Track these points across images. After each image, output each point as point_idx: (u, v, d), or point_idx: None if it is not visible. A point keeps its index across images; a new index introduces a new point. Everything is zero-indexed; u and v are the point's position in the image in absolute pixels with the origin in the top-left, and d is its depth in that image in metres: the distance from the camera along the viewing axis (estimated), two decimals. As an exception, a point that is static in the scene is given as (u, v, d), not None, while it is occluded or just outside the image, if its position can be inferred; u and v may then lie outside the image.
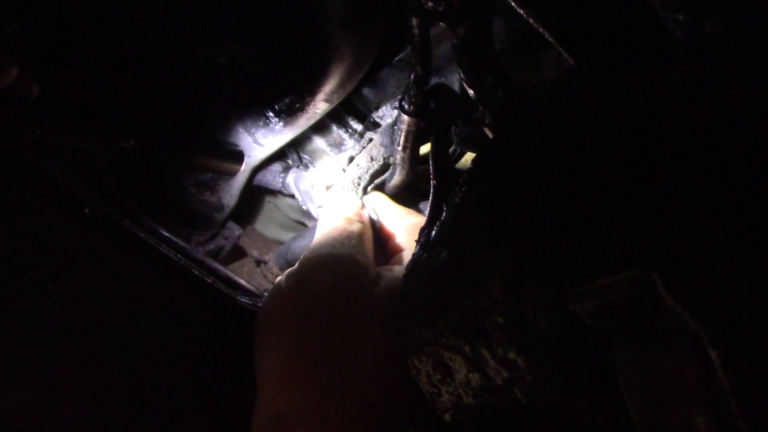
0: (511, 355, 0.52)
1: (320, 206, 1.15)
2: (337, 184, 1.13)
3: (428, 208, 0.85)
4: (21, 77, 0.85)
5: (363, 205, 1.04)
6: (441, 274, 0.60)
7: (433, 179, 0.85)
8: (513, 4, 0.67)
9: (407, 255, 0.92)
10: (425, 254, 0.64)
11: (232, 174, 1.15)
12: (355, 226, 0.94)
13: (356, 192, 1.09)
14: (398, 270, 0.85)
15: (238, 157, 1.12)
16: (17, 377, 0.92)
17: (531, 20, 0.68)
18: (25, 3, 0.99)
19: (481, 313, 0.53)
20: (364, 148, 1.11)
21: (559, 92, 0.67)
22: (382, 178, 1.10)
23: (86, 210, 0.99)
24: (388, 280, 0.83)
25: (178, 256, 1.04)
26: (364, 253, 0.89)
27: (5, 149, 0.91)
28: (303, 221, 1.48)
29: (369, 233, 0.96)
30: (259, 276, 1.42)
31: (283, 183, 1.25)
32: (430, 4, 0.80)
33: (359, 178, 1.11)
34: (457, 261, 0.58)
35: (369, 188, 1.11)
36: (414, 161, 1.05)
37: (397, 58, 1.15)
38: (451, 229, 0.62)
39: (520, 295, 0.52)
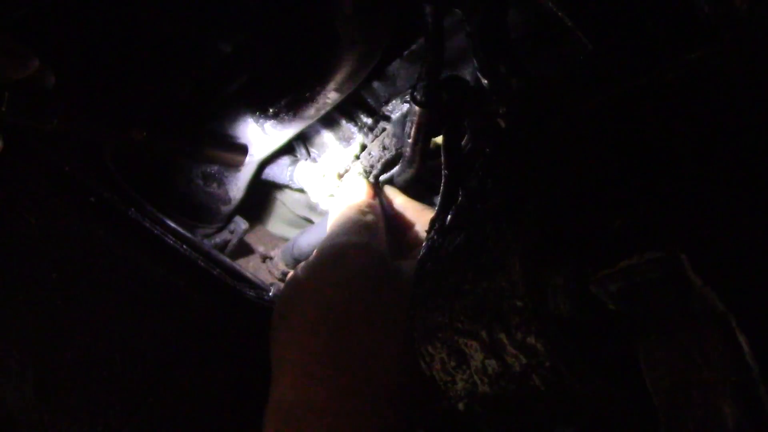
0: (530, 339, 0.50)
1: (331, 195, 1.13)
2: (350, 171, 1.12)
3: (439, 198, 0.84)
4: (42, 68, 0.86)
5: (375, 194, 1.03)
6: (457, 258, 0.58)
7: (445, 169, 0.84)
8: (531, -14, 0.66)
9: None
10: (440, 239, 0.62)
11: (237, 166, 1.14)
12: (369, 217, 0.93)
13: (368, 180, 1.08)
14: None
15: (243, 149, 1.11)
16: (19, 367, 0.91)
17: (550, 3, 0.67)
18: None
19: (499, 296, 0.52)
20: (376, 137, 1.10)
21: (578, 76, 0.65)
22: (393, 171, 1.09)
23: (92, 198, 0.98)
24: (406, 272, 0.81)
25: (184, 247, 1.03)
26: (379, 245, 0.88)
27: (18, 138, 0.91)
28: (309, 217, 1.47)
29: (381, 224, 0.95)
30: (265, 272, 1.40)
31: (291, 177, 1.23)
32: (445, -10, 0.78)
33: (371, 166, 1.09)
34: (474, 244, 0.57)
35: (381, 177, 1.09)
36: (425, 154, 1.04)
37: (407, 51, 1.14)
38: (468, 213, 0.60)
39: (540, 278, 0.51)
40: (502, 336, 0.52)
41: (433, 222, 0.74)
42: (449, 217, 0.63)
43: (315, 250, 0.89)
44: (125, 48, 1.11)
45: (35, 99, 0.88)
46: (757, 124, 0.47)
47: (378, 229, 0.91)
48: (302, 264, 0.89)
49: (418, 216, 0.99)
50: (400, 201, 1.03)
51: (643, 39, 0.59)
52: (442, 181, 0.83)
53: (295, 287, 0.85)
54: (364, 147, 1.12)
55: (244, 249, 1.39)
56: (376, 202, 1.01)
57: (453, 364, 0.56)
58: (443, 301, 0.57)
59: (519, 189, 0.56)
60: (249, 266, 1.41)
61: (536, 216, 0.52)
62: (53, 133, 0.91)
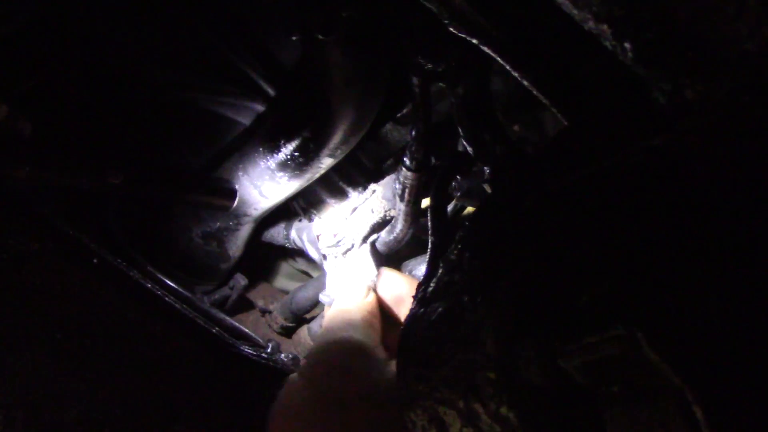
0: (503, 410, 0.53)
1: (324, 255, 1.17)
2: (342, 233, 1.15)
3: (426, 264, 0.87)
4: (12, 115, 0.87)
5: (374, 289, 1.03)
6: (436, 330, 0.61)
7: (431, 235, 0.87)
8: (508, 67, 0.70)
9: None
10: (421, 310, 0.65)
11: (225, 210, 1.16)
12: (364, 314, 0.95)
13: (358, 242, 1.12)
14: None
15: (231, 193, 1.13)
16: (23, 426, 0.93)
17: (526, 83, 0.71)
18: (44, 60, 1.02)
19: (474, 367, 0.55)
20: (367, 199, 1.14)
21: (552, 152, 0.69)
22: (383, 232, 1.12)
23: (95, 260, 1.01)
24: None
25: (184, 306, 1.05)
26: (372, 344, 0.90)
27: (23, 203, 0.94)
28: (308, 271, 1.50)
29: (376, 322, 0.96)
30: (264, 325, 1.43)
31: (287, 237, 1.27)
32: (429, 65, 0.83)
33: (360, 228, 1.13)
34: (451, 316, 0.60)
35: (369, 240, 1.13)
36: (416, 214, 1.08)
37: (400, 114, 1.18)
38: (447, 285, 0.64)
39: (511, 351, 0.54)
40: (477, 406, 0.55)
41: (419, 287, 0.77)
42: (430, 287, 0.67)
43: (309, 353, 0.91)
44: (105, 97, 1.14)
45: (6, 146, 0.89)
46: (711, 208, 0.50)
47: (373, 325, 0.93)
48: (299, 369, 0.91)
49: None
50: (402, 286, 1.03)
51: (610, 122, 0.63)
52: (429, 247, 0.86)
53: (292, 396, 0.89)
54: (354, 209, 1.16)
55: (244, 303, 1.42)
56: (372, 295, 1.01)
57: (433, 430, 0.59)
58: (424, 370, 0.60)
59: (493, 264, 0.59)
60: (249, 320, 1.44)
61: (509, 292, 0.56)
62: (26, 180, 0.92)
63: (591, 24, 0.52)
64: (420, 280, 1.23)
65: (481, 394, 0.54)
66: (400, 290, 1.01)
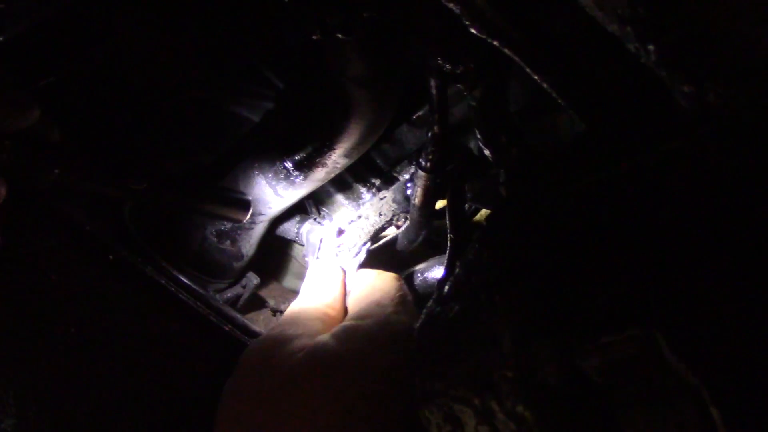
0: (519, 408, 0.53)
1: (317, 258, 1.18)
2: (347, 234, 1.16)
3: (446, 261, 0.88)
4: (43, 120, 0.88)
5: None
6: (453, 328, 0.62)
7: (450, 233, 0.88)
8: (528, 70, 0.70)
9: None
10: (438, 308, 0.66)
11: (238, 221, 1.17)
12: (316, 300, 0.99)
13: (361, 244, 1.13)
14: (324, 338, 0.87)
15: (245, 205, 1.14)
16: (36, 420, 0.93)
17: (545, 85, 0.71)
18: (61, 58, 1.03)
19: (491, 366, 0.55)
20: (376, 203, 1.15)
21: (571, 154, 0.70)
22: (398, 233, 1.13)
23: (110, 256, 1.02)
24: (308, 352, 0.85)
25: (198, 303, 1.06)
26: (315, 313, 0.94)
27: (33, 192, 0.95)
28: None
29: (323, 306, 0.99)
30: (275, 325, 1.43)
31: (298, 233, 1.28)
32: (448, 66, 0.83)
33: (366, 232, 1.14)
34: (469, 315, 0.60)
35: (372, 242, 1.15)
36: (429, 216, 1.08)
37: (415, 116, 1.19)
38: (464, 284, 0.64)
39: (528, 350, 0.54)
40: (494, 404, 0.55)
41: (439, 284, 0.77)
42: (447, 286, 0.67)
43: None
44: (141, 109, 1.15)
45: (37, 150, 0.90)
46: (729, 211, 0.51)
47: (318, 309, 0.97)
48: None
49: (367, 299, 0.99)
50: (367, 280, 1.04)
51: (629, 124, 0.63)
52: (448, 245, 0.86)
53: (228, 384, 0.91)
54: (360, 215, 1.17)
55: (256, 302, 1.43)
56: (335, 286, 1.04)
57: (448, 428, 0.59)
58: (440, 368, 0.60)
59: (512, 264, 0.60)
60: (260, 319, 1.44)
61: (527, 291, 0.56)
62: (55, 184, 0.93)
63: (615, 26, 0.52)
64: (428, 283, 1.24)
65: (498, 392, 0.55)
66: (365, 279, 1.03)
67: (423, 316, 0.68)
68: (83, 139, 1.11)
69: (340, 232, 1.17)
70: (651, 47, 0.52)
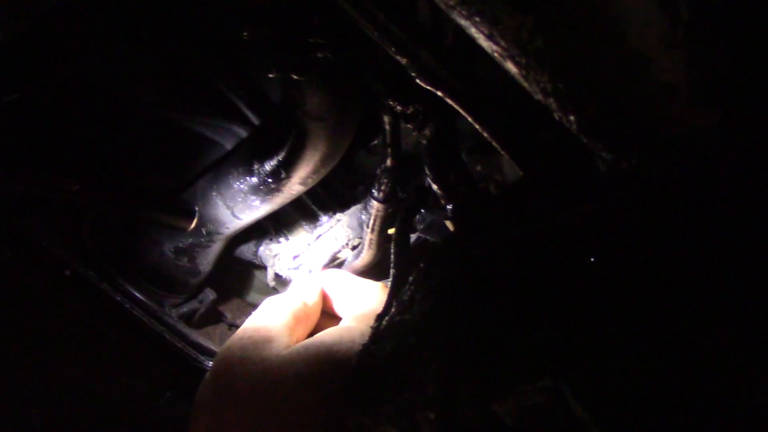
0: (440, 448, 0.57)
1: (279, 276, 1.21)
2: (302, 257, 1.20)
3: (386, 296, 0.91)
4: None
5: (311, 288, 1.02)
6: (385, 367, 0.65)
7: (393, 268, 0.91)
8: (469, 119, 0.74)
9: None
10: (373, 346, 0.69)
11: (183, 231, 1.18)
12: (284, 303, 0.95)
13: (315, 267, 1.16)
14: (317, 339, 0.86)
15: (190, 215, 1.16)
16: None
17: (485, 134, 0.75)
18: (25, 75, 1.05)
19: (416, 407, 0.59)
20: (331, 227, 1.18)
21: (507, 201, 0.74)
22: (348, 258, 1.17)
23: (67, 272, 1.04)
24: (302, 351, 0.84)
25: (152, 320, 1.09)
26: (276, 330, 0.90)
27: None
28: (278, 288, 1.54)
29: (295, 315, 0.94)
30: (231, 339, 1.46)
31: (256, 254, 1.30)
32: (399, 107, 0.87)
33: (322, 254, 1.18)
34: (399, 356, 0.64)
35: (327, 265, 1.18)
36: (381, 242, 1.12)
37: (372, 144, 1.22)
38: (398, 324, 0.68)
39: (450, 394, 0.58)
40: (417, 443, 0.59)
41: (378, 318, 0.81)
42: (383, 324, 0.71)
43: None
44: (82, 110, 1.17)
45: None
46: (640, 275, 0.55)
47: (289, 318, 0.92)
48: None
49: (357, 307, 0.98)
50: (348, 285, 1.03)
51: (557, 182, 0.67)
52: (391, 280, 0.90)
53: (200, 390, 0.88)
54: (318, 236, 1.20)
55: (213, 317, 1.45)
56: (318, 303, 1.01)
57: (376, 462, 0.63)
58: (370, 405, 0.64)
59: (440, 308, 0.63)
60: (216, 333, 1.46)
61: (451, 337, 0.60)
62: None
63: (539, 96, 0.57)
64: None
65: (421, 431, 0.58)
66: (342, 286, 1.02)
67: (360, 353, 0.71)
68: (27, 141, 1.11)
69: (296, 257, 1.20)
70: (572, 117, 0.56)
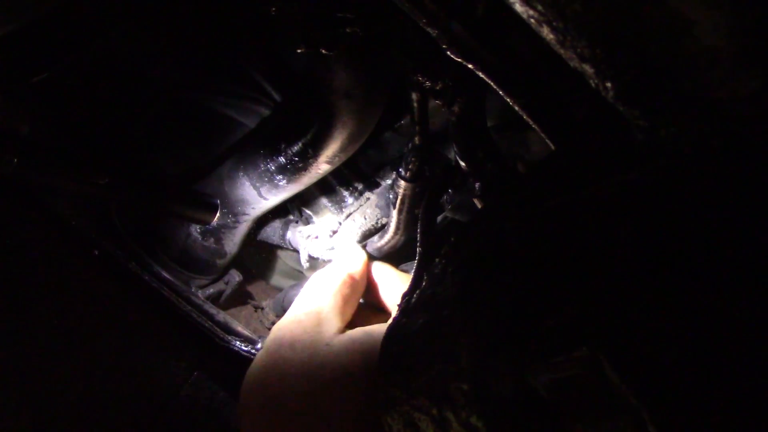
0: (473, 419, 0.57)
1: (314, 258, 1.20)
2: (338, 236, 1.19)
3: (412, 274, 0.90)
4: (14, 113, 0.89)
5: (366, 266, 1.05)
6: (416, 340, 0.65)
7: (419, 246, 0.90)
8: (500, 92, 0.73)
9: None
10: (404, 319, 0.69)
11: (205, 224, 1.19)
12: (337, 280, 0.97)
13: (347, 246, 1.16)
14: (368, 332, 0.87)
15: (212, 208, 1.17)
16: (17, 408, 0.96)
17: (516, 108, 0.74)
18: (54, 55, 1.05)
19: (449, 378, 0.58)
20: (361, 206, 1.18)
21: (538, 175, 0.73)
22: (374, 239, 1.16)
23: (96, 251, 1.04)
24: (350, 345, 0.85)
25: (179, 299, 1.09)
26: (327, 312, 0.92)
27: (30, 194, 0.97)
28: (302, 270, 1.54)
29: (348, 292, 0.97)
30: (256, 321, 1.46)
31: (283, 238, 1.30)
32: (428, 83, 0.86)
33: (353, 233, 1.17)
34: (431, 329, 0.64)
35: (359, 244, 1.17)
36: (408, 223, 1.11)
37: (398, 124, 1.21)
38: (429, 297, 0.67)
39: (484, 365, 0.57)
40: (450, 414, 0.58)
41: (404, 296, 0.80)
42: (414, 298, 0.70)
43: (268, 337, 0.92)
44: (108, 95, 1.17)
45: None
46: (678, 242, 0.54)
47: (339, 298, 0.94)
48: (256, 357, 0.92)
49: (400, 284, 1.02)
50: (392, 275, 1.06)
51: (593, 151, 0.66)
52: (416, 258, 0.89)
53: (249, 384, 0.89)
54: (348, 215, 1.19)
55: (239, 298, 1.46)
56: (363, 273, 1.04)
57: (408, 435, 0.63)
58: (402, 377, 0.64)
59: (473, 282, 0.63)
60: (241, 315, 1.47)
61: (486, 310, 0.59)
62: (12, 176, 0.93)
63: (575, 63, 0.55)
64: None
65: (454, 403, 0.58)
66: (391, 280, 1.05)
67: (390, 326, 0.71)
68: (56, 132, 1.12)
69: (333, 232, 1.20)
70: (609, 84, 0.55)
